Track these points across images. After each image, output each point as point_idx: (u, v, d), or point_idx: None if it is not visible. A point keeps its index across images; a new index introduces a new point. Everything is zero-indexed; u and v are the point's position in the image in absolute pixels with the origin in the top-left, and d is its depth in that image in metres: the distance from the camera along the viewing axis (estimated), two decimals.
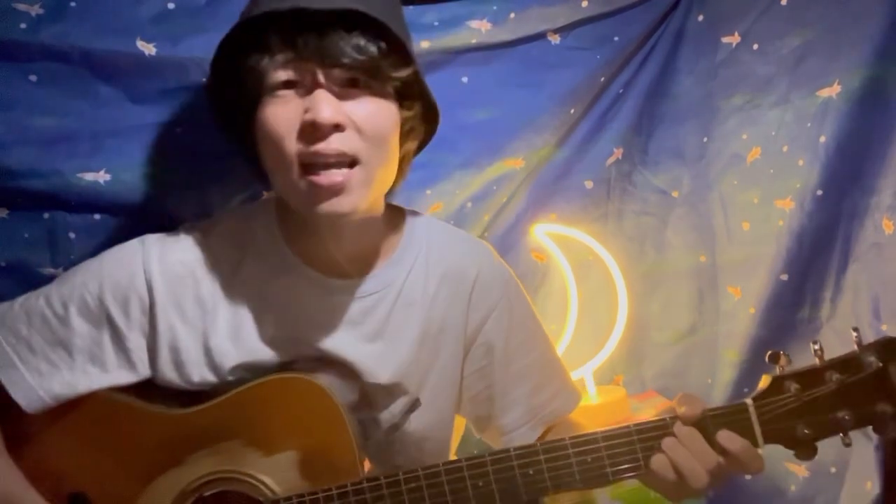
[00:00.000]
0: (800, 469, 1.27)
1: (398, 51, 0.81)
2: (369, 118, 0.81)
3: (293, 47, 0.78)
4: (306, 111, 0.78)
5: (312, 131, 0.78)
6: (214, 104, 0.89)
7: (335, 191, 0.80)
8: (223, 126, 0.91)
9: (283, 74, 0.79)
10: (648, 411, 1.36)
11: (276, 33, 0.78)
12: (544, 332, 1.05)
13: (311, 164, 0.80)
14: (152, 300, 0.87)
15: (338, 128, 0.79)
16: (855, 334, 0.79)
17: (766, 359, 0.79)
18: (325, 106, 0.78)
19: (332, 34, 0.77)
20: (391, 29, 0.79)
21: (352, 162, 0.81)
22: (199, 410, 0.87)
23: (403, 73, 0.83)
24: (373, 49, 0.79)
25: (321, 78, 0.79)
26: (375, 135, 0.81)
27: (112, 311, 0.87)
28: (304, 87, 0.80)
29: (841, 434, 0.78)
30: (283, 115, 0.79)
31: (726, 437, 0.78)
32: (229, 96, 0.84)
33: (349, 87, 0.80)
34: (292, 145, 0.79)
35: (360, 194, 0.82)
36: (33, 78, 0.99)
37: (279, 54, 0.78)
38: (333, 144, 0.79)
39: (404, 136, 0.88)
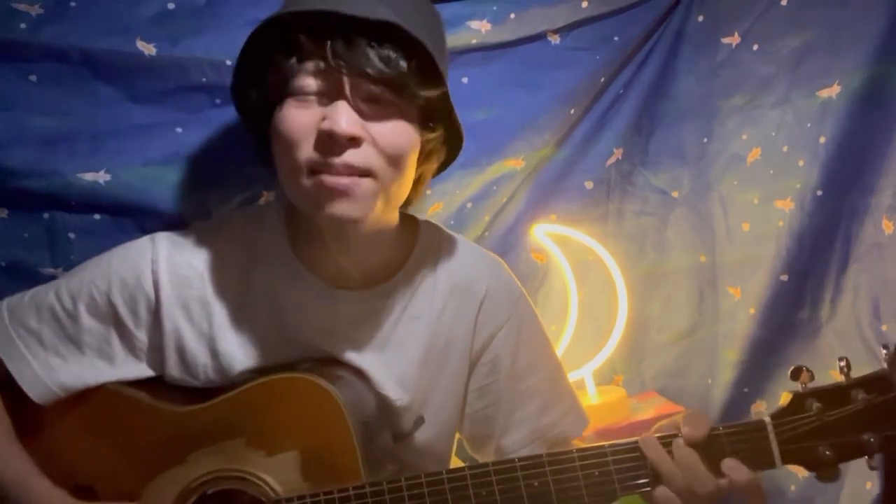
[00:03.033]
0: (800, 469, 1.27)
1: (429, 70, 0.79)
2: (388, 136, 0.79)
3: (322, 53, 0.75)
4: (324, 119, 0.77)
5: (328, 141, 0.77)
6: (237, 98, 0.86)
7: (341, 194, 0.78)
8: (244, 120, 0.88)
9: (307, 78, 0.77)
10: (648, 411, 1.36)
11: (305, 35, 0.76)
12: (554, 351, 1.03)
13: (319, 170, 0.78)
14: (158, 300, 0.88)
15: (354, 141, 0.77)
16: (885, 351, 0.74)
17: (789, 375, 0.75)
18: (344, 118, 0.76)
19: (363, 43, 0.75)
20: (426, 46, 0.77)
21: (364, 173, 0.79)
22: (203, 408, 0.87)
23: (431, 93, 0.80)
24: (402, 64, 0.76)
25: (346, 88, 0.77)
26: (392, 153, 0.79)
27: (120, 309, 0.87)
28: (328, 94, 0.78)
29: (866, 457, 0.74)
30: (301, 119, 0.78)
31: (731, 467, 0.74)
32: (251, 90, 0.82)
33: (372, 101, 0.78)
34: (305, 152, 0.78)
35: (367, 203, 0.80)
36: (33, 78, 0.99)
37: (307, 57, 0.77)
38: (346, 157, 0.77)
39: (424, 157, 0.87)
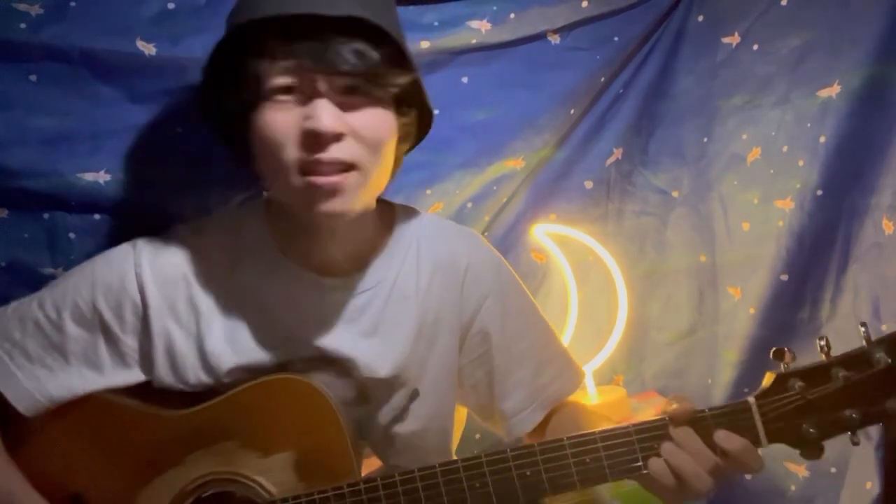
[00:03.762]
0: (800, 469, 1.27)
1: (398, 58, 0.81)
2: (368, 126, 0.81)
3: (294, 53, 0.77)
4: (306, 119, 0.78)
5: (312, 140, 0.78)
6: (206, 105, 0.87)
7: (332, 192, 0.80)
8: (214, 127, 0.90)
9: (282, 80, 0.78)
10: (648, 411, 1.36)
11: (276, 37, 0.77)
12: (540, 314, 1.04)
13: (308, 169, 0.79)
14: (145, 303, 0.88)
15: (338, 137, 0.79)
16: (863, 329, 0.76)
17: (771, 355, 0.77)
18: (326, 116, 0.77)
19: (334, 41, 0.76)
20: (392, 36, 0.79)
21: (349, 167, 0.81)
22: (196, 412, 0.87)
23: (403, 79, 0.83)
24: (374, 56, 0.78)
25: (322, 85, 0.78)
26: (374, 142, 0.82)
27: (105, 315, 0.87)
28: (304, 93, 0.79)
29: (849, 433, 0.76)
30: (281, 121, 0.79)
31: (724, 437, 0.76)
32: (223, 98, 0.83)
33: (348, 93, 0.80)
34: (291, 152, 0.79)
35: (355, 196, 0.82)
36: (33, 78, 0.99)
37: (279, 59, 0.77)
38: (333, 153, 0.79)
39: (399, 140, 0.89)
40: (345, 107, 0.79)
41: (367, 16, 0.77)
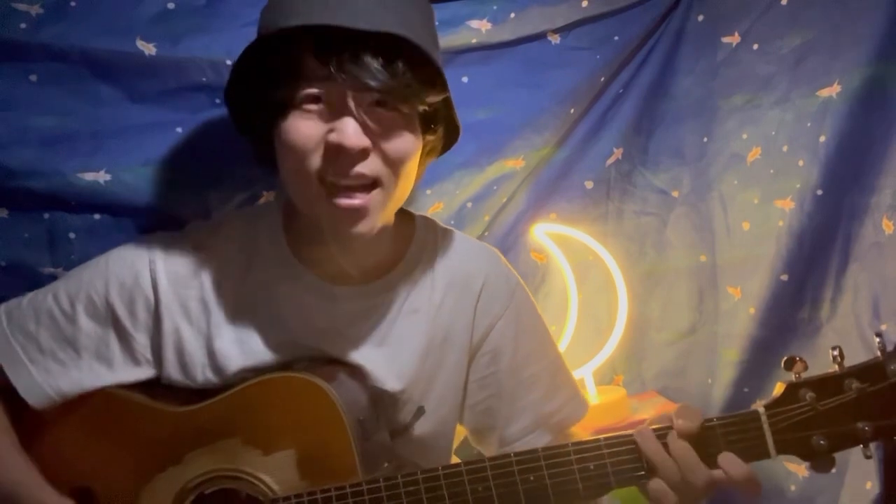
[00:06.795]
0: (800, 469, 1.27)
1: (432, 76, 0.80)
2: (394, 144, 0.80)
3: (325, 65, 0.75)
4: (331, 131, 0.77)
5: (337, 154, 0.77)
6: (233, 102, 0.86)
7: (357, 216, 0.80)
8: (239, 125, 0.88)
9: (311, 90, 0.77)
10: (648, 411, 1.36)
11: (308, 47, 0.76)
12: (552, 339, 1.03)
13: (331, 184, 0.79)
14: (157, 300, 0.88)
15: (363, 153, 0.78)
16: (878, 340, 0.75)
17: (782, 364, 0.76)
18: (353, 132, 0.77)
19: (368, 56, 0.75)
20: (429, 54, 0.78)
21: (372, 183, 0.80)
22: (200, 408, 0.87)
23: (434, 98, 0.82)
24: (408, 75, 0.77)
25: (350, 102, 0.77)
26: (398, 160, 0.81)
27: (118, 310, 0.87)
28: (332, 104, 0.78)
29: (861, 446, 0.74)
30: (307, 131, 0.78)
31: (728, 461, 0.75)
32: (250, 99, 0.82)
33: (377, 107, 0.79)
34: (314, 163, 0.79)
35: (378, 215, 0.82)
36: (33, 78, 0.99)
37: (311, 70, 0.77)
38: (357, 169, 0.78)
39: (424, 155, 0.88)
40: (372, 120, 0.78)
41: (403, 32, 0.75)
